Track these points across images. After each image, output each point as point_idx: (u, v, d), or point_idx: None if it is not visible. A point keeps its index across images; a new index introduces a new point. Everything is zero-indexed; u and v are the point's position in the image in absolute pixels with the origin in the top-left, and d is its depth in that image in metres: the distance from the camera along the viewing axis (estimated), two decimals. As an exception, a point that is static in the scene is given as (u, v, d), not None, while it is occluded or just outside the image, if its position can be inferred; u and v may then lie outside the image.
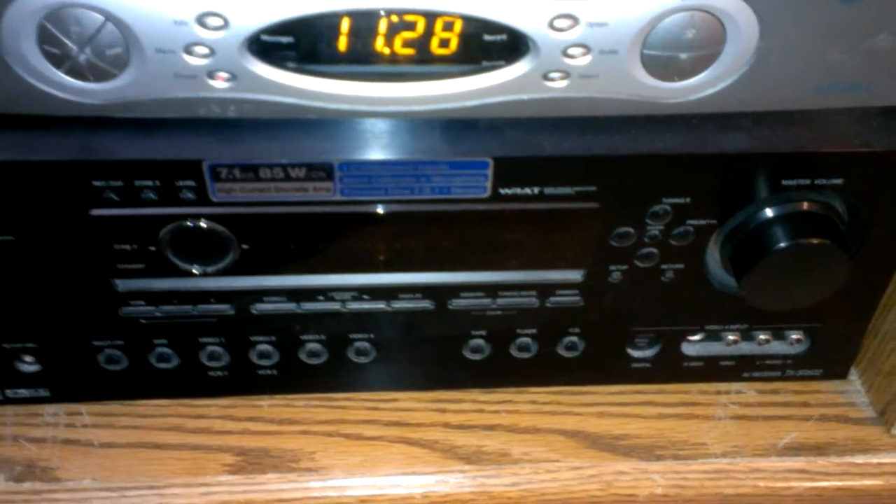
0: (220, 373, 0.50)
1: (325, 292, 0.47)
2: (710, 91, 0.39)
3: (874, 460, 0.50)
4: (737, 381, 0.53)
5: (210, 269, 0.44)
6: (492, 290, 0.47)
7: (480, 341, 0.50)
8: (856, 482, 0.50)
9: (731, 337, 0.51)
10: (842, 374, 0.54)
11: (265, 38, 0.36)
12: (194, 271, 0.44)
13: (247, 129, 0.41)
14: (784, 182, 0.43)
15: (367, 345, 0.49)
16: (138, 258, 0.43)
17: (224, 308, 0.46)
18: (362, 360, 0.50)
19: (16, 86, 0.37)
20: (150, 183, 0.41)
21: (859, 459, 0.51)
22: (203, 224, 0.42)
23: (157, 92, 0.38)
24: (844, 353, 0.53)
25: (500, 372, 0.51)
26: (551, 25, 0.36)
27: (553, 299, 0.48)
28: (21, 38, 0.36)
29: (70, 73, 0.37)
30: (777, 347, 0.52)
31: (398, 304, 0.47)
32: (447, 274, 0.47)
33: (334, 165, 0.41)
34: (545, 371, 0.51)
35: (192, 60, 0.37)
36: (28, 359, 0.48)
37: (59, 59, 0.37)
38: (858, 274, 0.47)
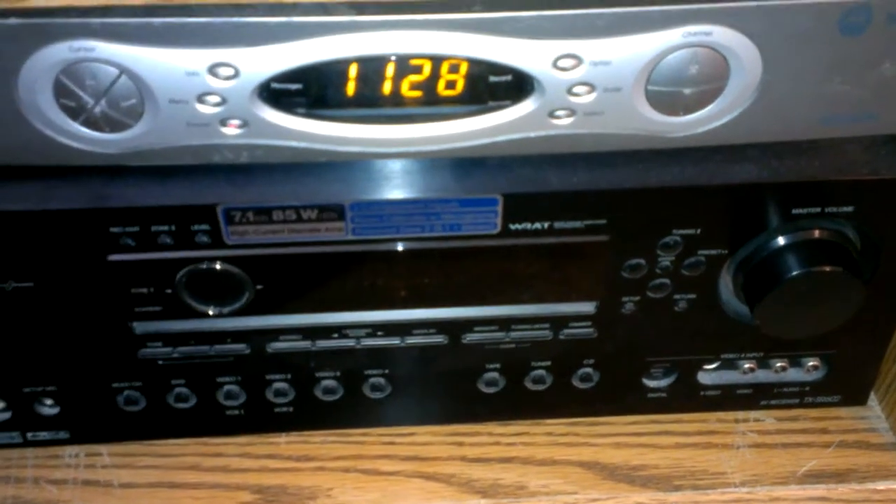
0: (237, 411, 0.50)
1: (340, 330, 0.47)
2: (716, 124, 0.40)
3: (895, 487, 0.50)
4: (755, 409, 0.53)
5: (226, 309, 0.45)
6: (505, 323, 0.48)
7: (495, 374, 0.50)
8: (877, 509, 0.50)
9: (747, 365, 0.51)
10: (861, 401, 0.53)
11: (275, 85, 0.37)
12: (210, 312, 0.45)
13: (259, 173, 0.42)
14: (794, 211, 0.43)
15: (382, 380, 0.50)
16: (155, 301, 0.44)
17: (240, 347, 0.47)
18: (378, 395, 0.50)
19: (33, 138, 0.38)
20: (165, 228, 0.41)
21: (881, 486, 0.50)
22: (218, 266, 0.43)
23: (171, 140, 0.39)
24: (863, 379, 0.52)
25: (515, 404, 0.51)
26: (555, 65, 0.37)
27: (566, 332, 0.48)
28: (38, 91, 0.37)
29: (86, 124, 0.38)
30: (794, 375, 0.52)
31: (412, 340, 0.48)
32: (460, 309, 0.47)
33: (345, 206, 0.42)
34: (561, 402, 0.51)
35: (205, 109, 0.37)
36: (48, 401, 0.49)
37: (76, 112, 0.37)
38: (873, 300, 0.46)
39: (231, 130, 0.38)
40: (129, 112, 0.37)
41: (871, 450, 0.52)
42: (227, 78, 0.36)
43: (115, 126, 0.38)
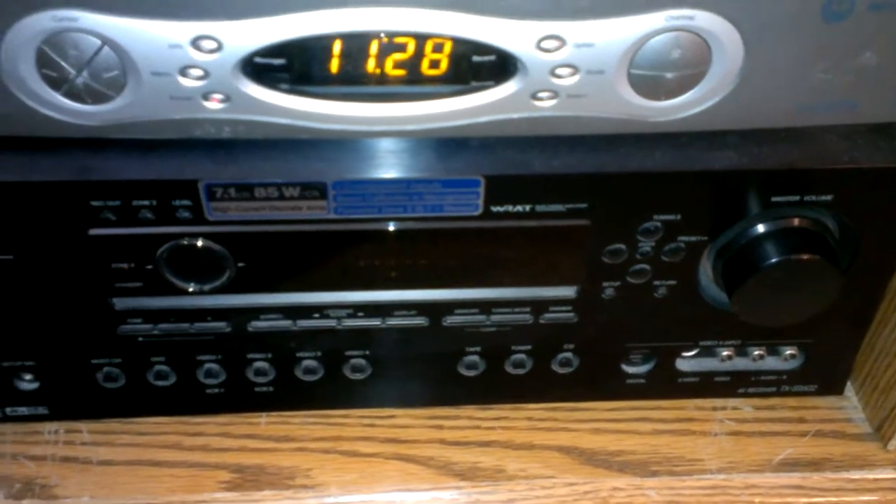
0: (217, 390, 0.50)
1: (321, 310, 0.47)
2: (698, 109, 0.40)
3: (870, 476, 0.51)
4: (732, 396, 0.53)
5: (207, 287, 0.45)
6: (486, 306, 0.48)
7: (475, 358, 0.50)
8: (852, 498, 0.50)
9: (725, 353, 0.51)
10: (838, 390, 0.54)
11: (258, 60, 0.37)
12: (191, 289, 0.45)
13: (242, 150, 0.42)
14: (773, 198, 0.44)
15: (362, 362, 0.50)
16: (136, 277, 0.44)
17: (221, 326, 0.47)
18: (358, 376, 0.50)
19: (15, 108, 0.38)
20: (147, 203, 0.41)
21: (855, 475, 0.51)
22: (199, 243, 0.43)
23: (153, 113, 0.38)
24: (840, 369, 0.53)
25: (495, 388, 0.52)
26: (539, 46, 0.37)
27: (547, 316, 0.48)
28: (20, 61, 0.37)
29: (68, 95, 0.38)
30: (771, 363, 0.52)
31: (393, 322, 0.48)
32: (441, 291, 0.47)
33: (328, 184, 0.42)
34: (540, 387, 0.52)
35: (187, 83, 0.37)
36: (27, 377, 0.49)
37: (58, 83, 0.37)
38: (850, 289, 0.47)
39: (213, 105, 0.38)
40: (111, 84, 0.37)
41: (846, 439, 0.53)
42: (211, 51, 0.36)
43: (98, 98, 0.38)
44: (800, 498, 0.50)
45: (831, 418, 0.54)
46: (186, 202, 0.41)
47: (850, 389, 0.55)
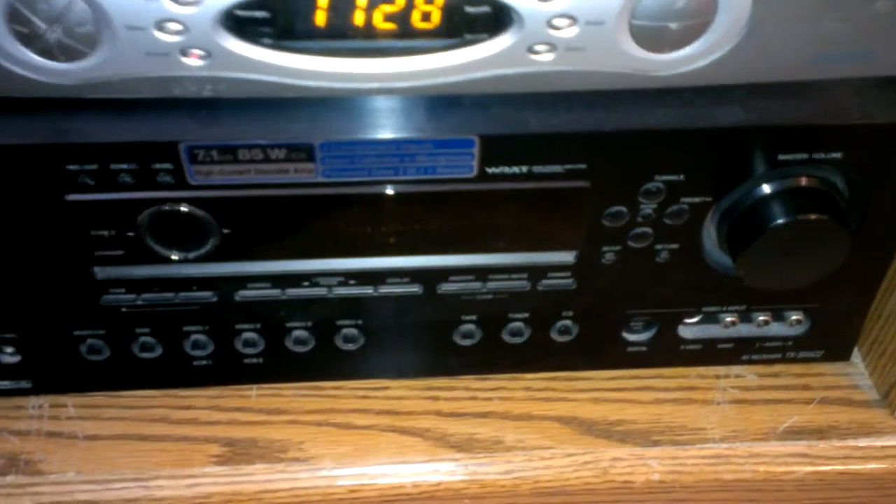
0: (205, 362, 0.48)
1: (311, 278, 0.45)
2: (703, 63, 0.38)
3: (878, 443, 0.49)
4: (736, 364, 0.52)
5: (191, 254, 0.43)
6: (482, 273, 0.46)
7: (471, 326, 0.48)
8: (858, 466, 0.49)
9: (729, 319, 0.49)
10: (844, 356, 0.53)
11: (239, 13, 0.35)
12: (175, 257, 0.43)
13: (225, 110, 0.40)
14: (781, 157, 0.42)
15: (355, 331, 0.48)
16: (117, 244, 0.42)
17: (206, 295, 0.45)
18: (351, 347, 0.49)
19: (-16, 67, 0.36)
20: (125, 166, 0.40)
21: (862, 443, 0.49)
22: (182, 208, 0.41)
23: (130, 71, 0.36)
24: (846, 335, 0.51)
25: (492, 358, 0.50)
26: (536, -6, 0.35)
27: (545, 282, 0.46)
28: (-13, 16, 0.35)
29: (40, 52, 0.36)
30: (777, 329, 0.50)
31: (386, 289, 0.46)
32: (435, 257, 0.45)
33: (315, 146, 0.40)
34: (539, 356, 0.50)
35: (164, 37, 0.35)
36: (8, 349, 0.47)
37: (29, 39, 0.35)
38: (859, 252, 0.45)
39: (193, 61, 0.36)
40: (84, 39, 0.35)
41: (853, 406, 0.51)
42: (189, 3, 0.34)
43: (71, 54, 0.36)
44: (805, 466, 0.49)
45: (837, 385, 0.52)
46: (167, 165, 0.40)
47: (856, 355, 0.53)
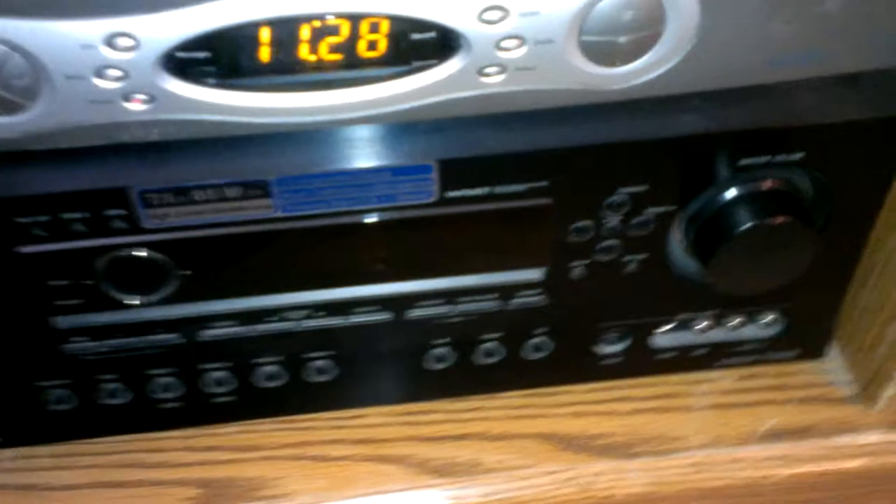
0: (175, 404, 0.48)
1: (277, 312, 0.45)
2: (656, 73, 0.38)
3: (857, 441, 0.49)
4: (712, 369, 0.52)
5: (152, 298, 0.42)
6: (451, 296, 0.45)
7: (444, 350, 0.48)
8: (839, 465, 0.49)
9: (702, 324, 0.49)
10: (818, 354, 0.52)
11: (180, 54, 0.34)
12: (136, 302, 0.42)
13: (176, 151, 0.39)
14: (742, 161, 0.42)
15: (327, 363, 0.47)
16: (75, 293, 0.41)
17: (171, 337, 0.44)
18: (323, 378, 0.48)
19: (-77, 125, 0.35)
20: (77, 215, 0.39)
21: (842, 441, 0.49)
22: (138, 253, 0.40)
23: (73, 120, 0.36)
24: (820, 332, 0.51)
25: (467, 379, 0.49)
26: (481, 19, 0.34)
27: (515, 301, 0.46)
28: (-79, 74, 0.34)
29: (-21, 107, 0.35)
30: (750, 331, 0.50)
31: (355, 319, 0.45)
32: (402, 284, 0.45)
33: (271, 182, 0.39)
34: (514, 375, 0.50)
35: (105, 84, 0.34)
36: (-28, 406, 0.46)
37: (-34, 94, 0.34)
38: (827, 249, 0.45)
39: (137, 106, 0.35)
40: (23, 92, 0.34)
41: (831, 404, 0.51)
42: (127, 49, 0.34)
43: (11, 108, 0.35)
44: (786, 469, 0.49)
45: (814, 383, 0.52)
46: (120, 211, 0.39)
47: (833, 352, 0.53)
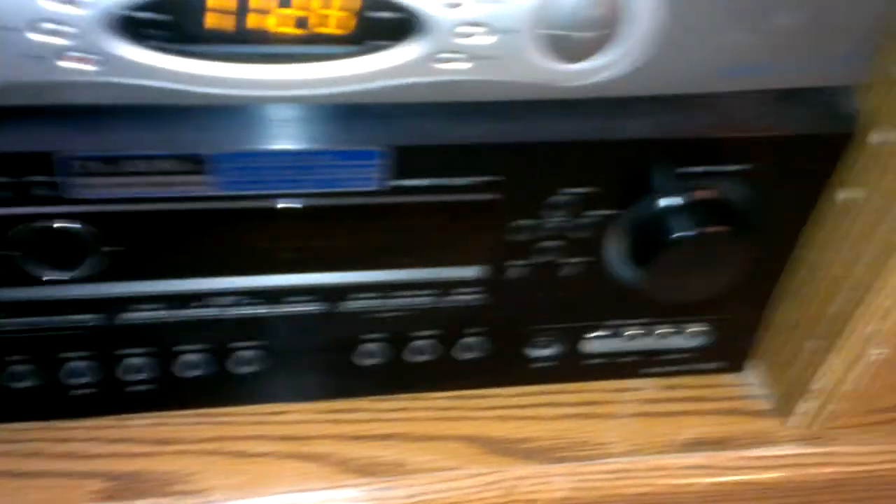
0: (87, 390, 0.45)
1: (203, 297, 0.43)
2: (611, 74, 0.38)
3: (773, 453, 0.50)
4: (637, 377, 0.52)
5: (70, 275, 0.40)
6: (385, 289, 0.44)
7: (375, 345, 0.47)
8: (756, 476, 0.50)
9: (631, 332, 0.49)
10: (738, 367, 0.53)
11: (126, 13, 0.33)
12: (52, 278, 0.40)
13: (108, 117, 0.37)
14: (682, 169, 0.42)
15: (251, 353, 0.46)
16: (-14, 264, 0.39)
17: (88, 318, 0.42)
18: (246, 370, 0.46)
19: None
20: (-4, 179, 0.36)
21: (759, 452, 0.50)
22: (58, 224, 0.38)
23: (3, 75, 0.33)
24: (741, 346, 0.52)
25: (396, 378, 0.48)
26: (442, 1, 0.34)
27: (450, 298, 0.45)
28: None
29: None
30: (676, 341, 0.51)
31: (284, 308, 0.44)
32: (337, 274, 0.44)
33: (208, 156, 0.37)
34: (443, 375, 0.49)
35: (39, 38, 0.32)
36: None
37: None
38: (752, 263, 0.46)
39: (73, 65, 0.33)
40: (-52, 39, 0.32)
41: (748, 416, 0.52)
42: (69, 3, 0.32)
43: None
44: (705, 478, 0.49)
45: (734, 395, 0.53)
46: (42, 178, 0.36)
47: (750, 366, 0.54)
